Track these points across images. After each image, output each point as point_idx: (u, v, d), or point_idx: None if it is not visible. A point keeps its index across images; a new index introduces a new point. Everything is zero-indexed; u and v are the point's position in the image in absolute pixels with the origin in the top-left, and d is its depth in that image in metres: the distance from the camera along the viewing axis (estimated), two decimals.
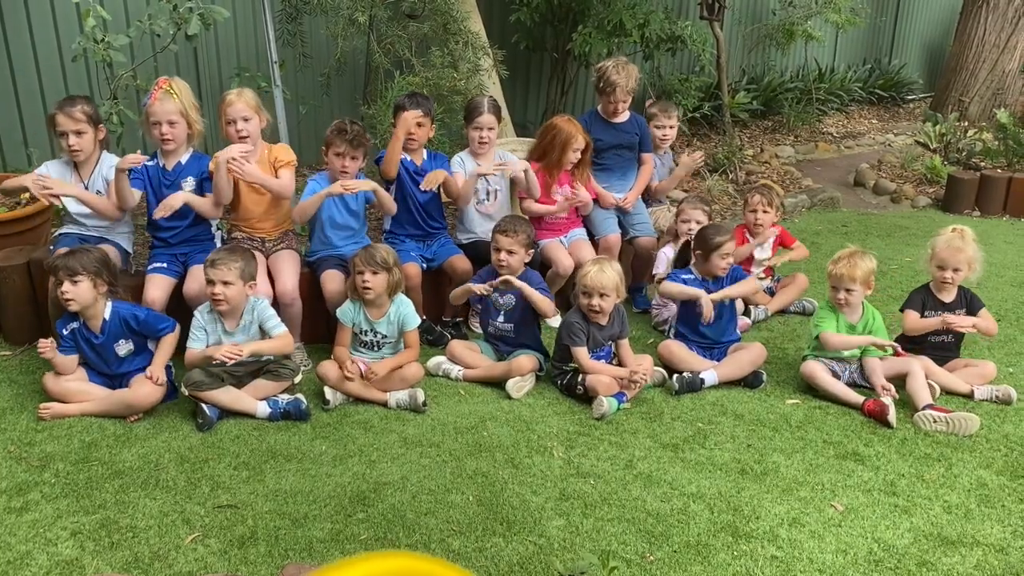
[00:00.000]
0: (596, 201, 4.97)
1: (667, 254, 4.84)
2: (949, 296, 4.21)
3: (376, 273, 3.85)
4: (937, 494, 3.32)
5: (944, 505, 3.26)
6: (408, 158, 4.55)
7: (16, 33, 5.30)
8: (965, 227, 4.20)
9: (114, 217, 4.12)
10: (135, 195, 4.09)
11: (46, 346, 3.63)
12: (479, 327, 4.51)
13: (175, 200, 3.98)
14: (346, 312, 3.97)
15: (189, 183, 4.13)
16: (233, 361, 3.65)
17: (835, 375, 4.08)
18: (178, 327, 3.80)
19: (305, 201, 4.25)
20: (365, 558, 0.98)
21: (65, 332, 3.74)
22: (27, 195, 4.61)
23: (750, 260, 5.05)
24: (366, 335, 3.99)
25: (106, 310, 3.71)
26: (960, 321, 4.13)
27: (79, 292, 3.62)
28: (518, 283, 4.11)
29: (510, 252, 4.14)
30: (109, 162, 4.13)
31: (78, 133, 3.99)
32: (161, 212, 3.96)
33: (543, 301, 4.13)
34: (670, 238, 4.95)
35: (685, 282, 4.31)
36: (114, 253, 4.05)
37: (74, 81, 5.50)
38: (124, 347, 3.76)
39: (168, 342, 3.77)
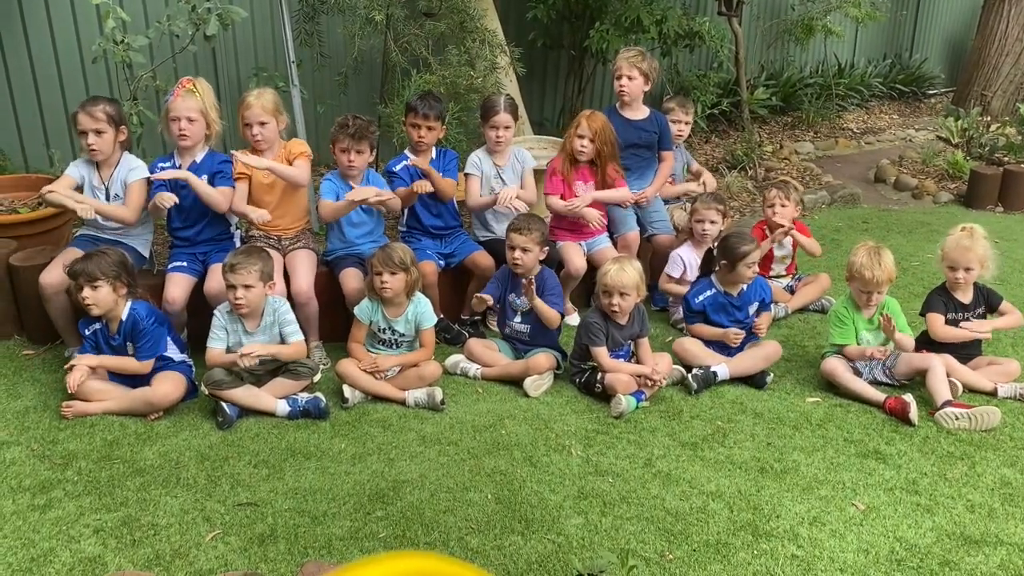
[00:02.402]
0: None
1: (682, 255, 4.79)
2: (967, 296, 4.17)
3: (394, 273, 3.86)
4: (960, 493, 3.29)
5: (967, 504, 3.22)
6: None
7: (37, 35, 5.35)
8: (975, 225, 4.15)
9: (131, 223, 4.14)
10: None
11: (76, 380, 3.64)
12: (496, 326, 4.51)
13: (180, 174, 4.02)
14: (364, 309, 3.99)
15: (204, 181, 4.15)
16: (253, 363, 3.67)
17: (856, 372, 4.05)
18: (152, 363, 3.75)
19: (335, 203, 4.25)
20: (383, 558, 0.97)
21: (87, 333, 3.77)
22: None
23: (770, 258, 5.01)
24: (384, 333, 4.01)
25: (124, 311, 3.74)
26: (980, 327, 4.13)
27: (99, 297, 3.64)
28: (536, 301, 4.07)
29: (524, 250, 4.13)
30: (130, 164, 4.13)
31: (98, 132, 4.00)
32: (165, 200, 3.96)
33: (549, 312, 4.10)
34: (686, 237, 4.92)
35: (704, 303, 4.28)
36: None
37: (94, 82, 5.54)
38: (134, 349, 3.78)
39: (134, 365, 3.73)
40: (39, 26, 5.34)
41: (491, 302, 4.20)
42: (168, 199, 3.96)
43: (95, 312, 3.67)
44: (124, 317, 3.73)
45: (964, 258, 4.07)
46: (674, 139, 5.30)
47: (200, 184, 4.06)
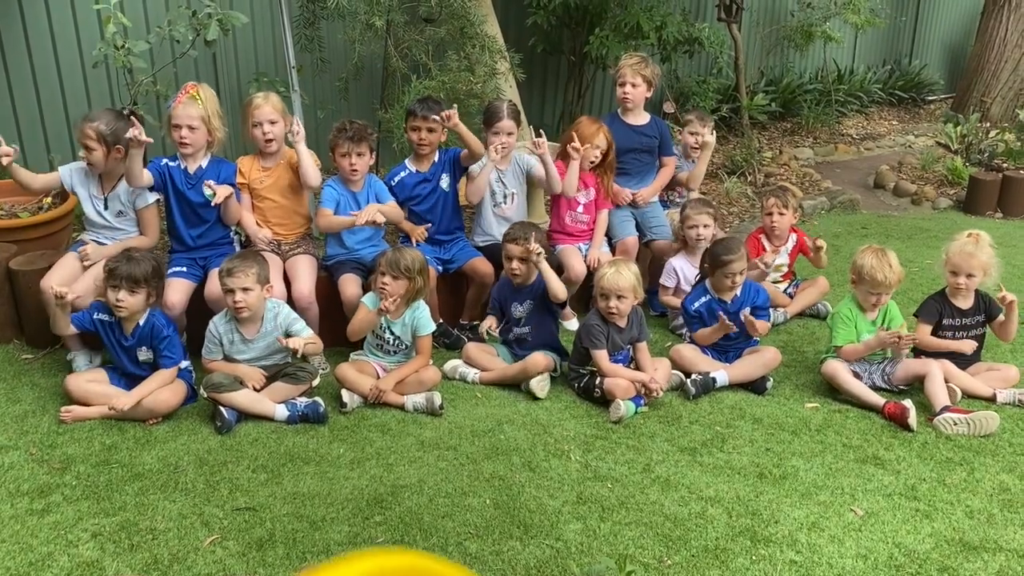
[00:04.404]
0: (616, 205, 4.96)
1: (675, 265, 4.78)
2: (966, 302, 4.16)
3: (396, 278, 3.86)
4: (959, 499, 3.29)
5: (966, 510, 3.22)
6: (415, 170, 4.58)
7: (38, 39, 5.36)
8: (981, 232, 4.15)
9: (154, 244, 4.23)
10: (146, 176, 4.05)
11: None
12: (498, 332, 4.50)
13: (224, 190, 4.05)
14: (371, 298, 4.00)
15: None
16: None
17: (856, 376, 4.05)
18: (176, 370, 3.77)
19: (336, 218, 4.28)
20: (370, 554, 0.98)
21: (94, 316, 3.77)
22: (49, 200, 4.67)
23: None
24: (384, 332, 4.01)
25: (143, 316, 3.74)
26: (966, 347, 4.11)
27: (134, 302, 3.65)
28: (544, 265, 4.07)
29: (522, 260, 4.13)
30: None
31: (87, 148, 4.03)
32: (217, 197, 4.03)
33: (557, 283, 4.08)
34: (679, 246, 4.89)
35: (700, 309, 4.28)
36: None
37: (95, 87, 5.55)
38: (144, 353, 3.78)
39: (162, 376, 3.73)
40: (40, 30, 5.35)
41: (496, 328, 4.25)
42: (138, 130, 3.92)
43: (122, 315, 3.68)
44: (142, 322, 3.73)
45: (967, 264, 4.07)
46: (691, 151, 5.30)
47: (233, 205, 4.17)
